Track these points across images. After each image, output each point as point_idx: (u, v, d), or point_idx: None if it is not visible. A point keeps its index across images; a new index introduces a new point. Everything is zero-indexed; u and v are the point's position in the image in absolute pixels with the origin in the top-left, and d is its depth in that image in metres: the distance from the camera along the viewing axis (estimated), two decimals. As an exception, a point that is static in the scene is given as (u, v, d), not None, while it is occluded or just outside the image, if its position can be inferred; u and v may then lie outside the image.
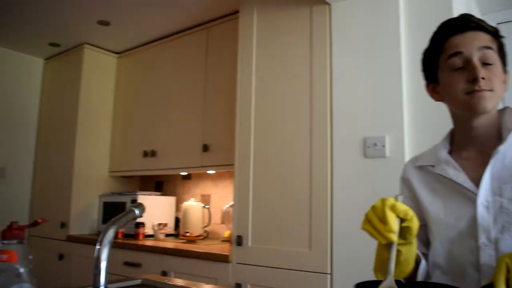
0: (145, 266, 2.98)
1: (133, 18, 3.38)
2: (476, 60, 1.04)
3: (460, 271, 1.06)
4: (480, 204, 1.04)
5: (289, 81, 2.49)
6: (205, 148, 3.19)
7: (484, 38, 1.05)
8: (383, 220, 0.90)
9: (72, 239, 3.56)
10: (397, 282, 0.94)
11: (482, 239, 1.03)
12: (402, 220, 0.92)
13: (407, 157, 2.01)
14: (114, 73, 4.09)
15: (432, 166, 1.18)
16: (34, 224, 1.41)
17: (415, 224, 0.95)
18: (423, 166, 1.21)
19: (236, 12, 2.90)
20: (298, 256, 2.29)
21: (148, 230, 3.41)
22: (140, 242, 3.15)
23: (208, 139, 3.20)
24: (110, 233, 1.07)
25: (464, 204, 1.07)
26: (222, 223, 3.36)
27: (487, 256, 1.01)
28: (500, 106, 1.13)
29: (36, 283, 0.98)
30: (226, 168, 3.06)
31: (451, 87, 1.08)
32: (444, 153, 1.16)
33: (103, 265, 1.07)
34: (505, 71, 1.10)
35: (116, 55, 4.10)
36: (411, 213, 0.93)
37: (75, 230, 3.64)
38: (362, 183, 2.13)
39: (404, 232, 0.95)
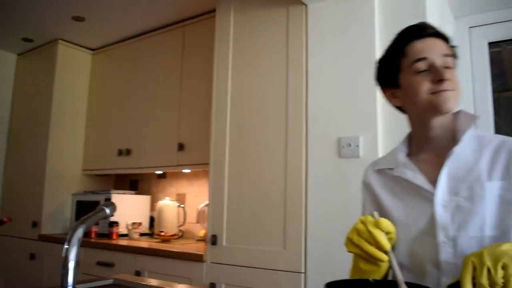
0: (119, 266, 2.94)
1: (108, 15, 3.33)
2: (440, 64, 1.10)
3: (421, 269, 1.10)
4: (438, 204, 1.08)
5: (265, 81, 2.49)
6: (181, 147, 3.17)
7: (443, 46, 1.12)
8: (373, 241, 0.94)
9: (44, 238, 3.50)
10: (365, 281, 0.96)
11: (441, 237, 1.07)
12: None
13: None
14: (89, 70, 4.03)
15: (391, 169, 1.22)
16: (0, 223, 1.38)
17: (395, 236, 1.00)
18: (383, 169, 1.25)
19: (213, 10, 2.88)
20: (272, 256, 2.29)
21: (122, 229, 3.37)
22: (113, 242, 3.11)
23: (183, 138, 3.18)
24: (79, 232, 1.05)
25: (423, 205, 1.11)
26: (197, 222, 3.35)
27: (446, 253, 1.06)
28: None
29: (2, 282, 0.96)
30: (202, 167, 3.05)
31: (416, 88, 1.12)
32: (402, 156, 1.21)
33: (71, 264, 1.05)
34: None
35: (91, 52, 4.04)
36: (392, 227, 0.98)
37: (47, 229, 3.57)
38: (336, 183, 2.14)
39: None
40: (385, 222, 0.96)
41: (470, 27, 2.44)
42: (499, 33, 2.42)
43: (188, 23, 3.34)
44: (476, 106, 2.38)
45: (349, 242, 0.98)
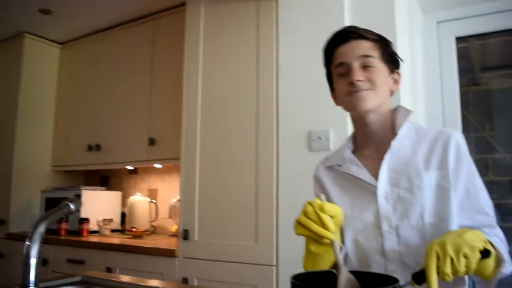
0: (89, 263, 2.90)
1: (76, 7, 3.25)
2: (356, 66, 1.16)
3: (368, 258, 1.17)
4: (380, 196, 1.16)
5: (235, 76, 2.48)
6: (152, 141, 3.13)
7: (364, 46, 1.17)
8: (319, 222, 0.97)
9: (12, 236, 3.41)
10: (329, 272, 0.98)
11: (385, 227, 1.14)
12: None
13: (350, 150, 2.05)
14: (57, 64, 3.93)
15: (339, 165, 1.28)
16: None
17: (341, 219, 1.06)
18: (332, 165, 1.32)
19: (184, 4, 2.85)
20: (244, 249, 2.29)
21: (92, 226, 3.32)
22: (84, 239, 3.07)
23: (154, 133, 3.15)
24: (41, 229, 1.03)
25: (368, 197, 1.19)
26: (170, 217, 3.32)
27: (390, 242, 1.13)
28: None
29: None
30: (173, 162, 3.03)
31: (338, 91, 1.22)
32: (348, 153, 1.27)
33: (33, 262, 1.02)
34: (393, 72, 1.24)
35: (59, 46, 3.94)
36: (338, 211, 1.02)
37: (15, 227, 3.49)
38: (307, 176, 2.13)
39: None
40: (331, 206, 1.00)
41: (438, 22, 2.47)
42: (467, 28, 2.46)
43: (159, 16, 3.30)
44: (444, 100, 2.42)
45: (297, 224, 1.01)
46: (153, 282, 1.57)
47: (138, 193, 3.48)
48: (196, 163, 2.54)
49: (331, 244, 0.98)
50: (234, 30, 2.53)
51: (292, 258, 2.12)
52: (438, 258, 0.89)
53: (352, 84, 1.15)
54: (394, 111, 1.26)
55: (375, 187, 1.16)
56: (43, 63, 3.83)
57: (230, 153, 2.43)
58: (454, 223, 1.09)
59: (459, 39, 2.51)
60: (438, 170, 1.13)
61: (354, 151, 1.28)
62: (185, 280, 2.45)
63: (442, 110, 2.42)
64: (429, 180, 1.12)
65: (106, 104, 3.51)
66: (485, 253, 0.90)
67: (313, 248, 1.04)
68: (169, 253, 2.54)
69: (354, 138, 1.32)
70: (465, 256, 0.88)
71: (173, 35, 3.14)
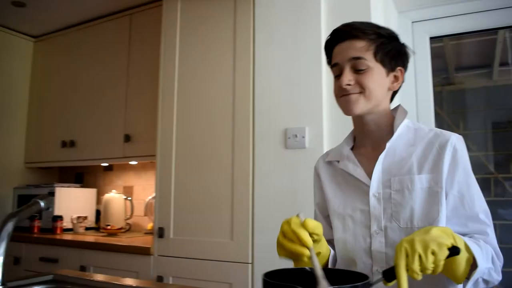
0: (63, 262, 2.86)
1: (51, 0, 3.19)
2: (346, 68, 1.14)
3: (354, 257, 1.17)
4: (372, 196, 1.16)
5: (212, 72, 2.47)
6: (127, 138, 3.10)
7: (356, 47, 1.14)
8: (296, 239, 0.97)
9: (-18, 234, 3.33)
10: (302, 269, 0.98)
11: (374, 227, 1.14)
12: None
13: (326, 148, 2.07)
14: (31, 58, 3.85)
15: (338, 161, 1.28)
16: None
17: (321, 233, 1.03)
18: (331, 161, 1.32)
19: (161, -1, 2.82)
20: (220, 247, 2.29)
21: (66, 223, 3.28)
22: (57, 237, 3.02)
23: (130, 129, 3.11)
24: (9, 227, 1.01)
25: (360, 196, 1.19)
26: (145, 215, 3.29)
27: (377, 243, 1.13)
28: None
29: None
30: (149, 159, 3.00)
31: (334, 90, 1.21)
32: (346, 150, 1.28)
33: (0, 260, 1.00)
34: (394, 69, 1.19)
35: (33, 39, 3.86)
36: (318, 227, 1.00)
37: (-14, 225, 3.41)
38: (283, 174, 2.16)
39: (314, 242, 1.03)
40: (311, 223, 0.99)
41: (413, 22, 2.49)
42: (441, 28, 2.49)
43: (135, 11, 3.26)
44: (418, 99, 2.45)
45: (278, 246, 1.02)
46: (128, 281, 1.55)
47: (113, 190, 3.44)
48: (172, 160, 2.52)
49: (310, 258, 0.97)
50: (211, 26, 2.51)
51: (268, 256, 2.11)
52: (407, 255, 0.89)
53: (341, 88, 1.14)
54: (395, 110, 1.25)
55: (368, 186, 1.17)
56: (16, 57, 3.74)
57: (206, 150, 2.42)
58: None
59: (434, 39, 2.54)
60: (431, 174, 1.11)
61: (353, 148, 1.29)
62: (160, 278, 2.43)
63: (416, 108, 2.45)
64: (420, 183, 1.11)
65: (81, 100, 3.45)
66: (453, 250, 0.89)
67: (294, 263, 1.05)
68: (144, 251, 2.52)
69: (354, 135, 1.32)
70: (433, 253, 0.87)
71: (149, 31, 3.11)
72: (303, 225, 0.98)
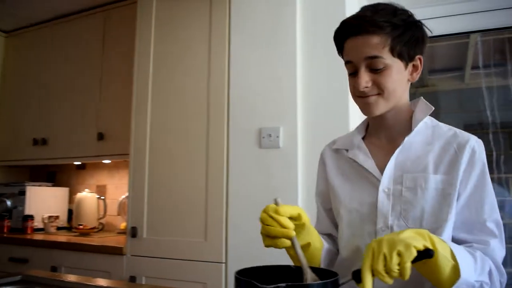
0: (33, 262, 2.80)
1: (23, -5, 3.13)
2: (362, 69, 1.05)
3: (358, 253, 1.11)
4: (381, 191, 1.09)
5: (187, 71, 2.45)
6: (101, 136, 3.05)
7: (372, 44, 1.03)
8: (277, 225, 0.94)
9: None
10: (286, 267, 0.97)
11: (380, 224, 1.08)
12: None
13: (300, 148, 2.08)
14: (2, 53, 3.76)
15: (347, 150, 1.22)
16: None
17: (304, 218, 1.01)
18: (339, 149, 1.25)
19: (136, -4, 2.79)
20: (193, 247, 2.28)
21: (37, 223, 3.22)
22: (28, 237, 2.97)
23: (103, 127, 3.07)
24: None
25: (368, 190, 1.12)
26: (119, 214, 3.26)
27: None
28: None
29: None
30: (123, 158, 2.96)
31: (349, 87, 1.12)
32: (358, 138, 1.21)
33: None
34: (413, 59, 1.10)
35: (5, 34, 3.77)
36: (295, 211, 0.98)
37: (-47, 224, 3.32)
38: (257, 173, 2.16)
39: (297, 228, 1.01)
40: (286, 207, 0.97)
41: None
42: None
43: (110, 7, 3.22)
44: (391, 100, 2.48)
45: (262, 236, 0.98)
46: (100, 281, 1.54)
47: (86, 189, 3.39)
48: (146, 159, 2.49)
49: (292, 243, 0.95)
50: (186, 24, 2.50)
51: (241, 255, 2.12)
52: (374, 255, 0.85)
53: (357, 89, 1.07)
54: (415, 103, 1.18)
55: (378, 180, 1.10)
56: (-14, 53, 3.66)
57: (180, 149, 2.40)
58: (446, 233, 1.03)
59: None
60: (446, 175, 1.06)
61: (364, 137, 1.22)
62: (132, 279, 2.41)
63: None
64: (435, 183, 1.06)
65: (54, 97, 3.39)
66: (425, 253, 0.84)
67: (291, 252, 1.01)
68: (116, 251, 2.49)
69: (367, 124, 1.25)
70: (399, 254, 0.83)
71: (124, 28, 3.07)
72: (277, 211, 0.95)
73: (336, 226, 1.25)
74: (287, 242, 0.96)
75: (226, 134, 2.27)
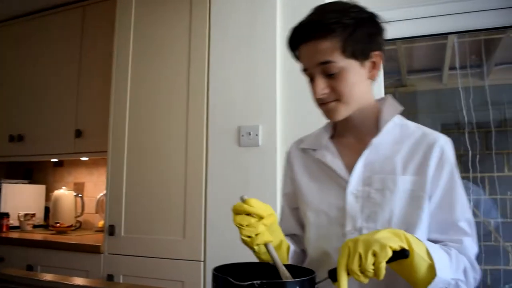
0: (9, 261, 2.76)
1: (-2, -11, 3.07)
2: (317, 75, 1.04)
3: (326, 256, 1.09)
4: (350, 193, 1.07)
5: (166, 68, 2.44)
6: (78, 133, 3.01)
7: (323, 49, 1.01)
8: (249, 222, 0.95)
9: None
10: (264, 264, 0.99)
11: (348, 227, 1.06)
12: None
13: (279, 146, 2.08)
14: (-23, 48, 3.69)
15: (314, 150, 1.19)
16: None
17: (273, 217, 0.99)
18: (306, 149, 1.22)
19: (115, -8, 2.76)
20: (172, 245, 2.27)
21: (13, 221, 3.16)
22: (3, 235, 2.92)
23: (81, 124, 3.03)
24: None
25: (336, 192, 1.10)
26: (97, 212, 3.22)
27: None
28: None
29: None
30: (101, 155, 2.92)
31: (311, 94, 1.09)
32: (325, 138, 1.18)
33: None
34: (369, 56, 1.06)
35: (-20, 28, 3.70)
36: (262, 209, 0.97)
37: None
38: (236, 172, 2.16)
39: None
40: (253, 200, 0.96)
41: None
42: (394, 31, 2.54)
43: (88, 3, 3.17)
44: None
45: (248, 240, 0.96)
46: (77, 280, 1.52)
47: (63, 187, 3.34)
48: (124, 157, 2.47)
49: (266, 248, 0.95)
50: (166, 22, 2.48)
51: (220, 254, 2.12)
52: (349, 255, 0.85)
53: (316, 97, 1.06)
54: (382, 102, 1.16)
55: (346, 182, 1.08)
56: (-39, 47, 3.58)
57: (159, 147, 2.39)
58: (420, 234, 1.02)
59: (387, 41, 2.60)
60: (415, 176, 1.05)
61: (332, 137, 1.19)
62: (110, 277, 2.39)
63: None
64: (403, 184, 1.04)
65: (31, 92, 3.33)
66: (400, 253, 0.85)
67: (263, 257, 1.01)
68: (94, 249, 2.46)
69: (335, 123, 1.21)
70: (374, 254, 0.83)
71: (103, 24, 3.03)
72: (247, 203, 0.96)
73: (301, 225, 1.23)
74: (262, 248, 0.97)
75: (205, 132, 2.26)
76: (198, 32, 2.37)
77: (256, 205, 0.96)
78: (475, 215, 2.57)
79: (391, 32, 2.56)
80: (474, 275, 1.01)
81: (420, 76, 3.14)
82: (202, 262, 2.18)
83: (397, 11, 2.49)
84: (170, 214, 2.30)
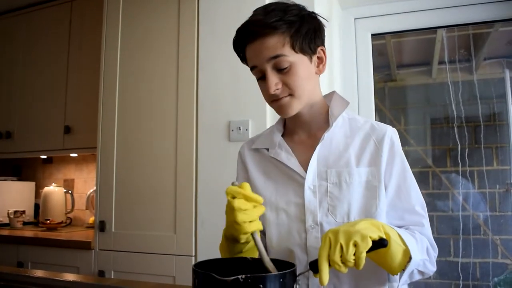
0: (-2, 258, 2.74)
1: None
2: (269, 71, 1.05)
3: (289, 253, 1.11)
4: (307, 188, 1.09)
5: (155, 64, 2.42)
6: (67, 129, 3.00)
7: (271, 45, 1.03)
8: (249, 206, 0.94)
9: None
10: (244, 259, 0.98)
11: (309, 222, 1.08)
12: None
13: (269, 141, 2.08)
14: (-36, 43, 3.65)
15: (267, 149, 1.21)
16: None
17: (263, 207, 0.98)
18: (259, 148, 1.24)
19: (103, -14, 2.73)
20: (163, 240, 2.26)
21: (3, 218, 3.15)
22: (-8, 232, 2.89)
23: (70, 120, 3.01)
24: None
25: (294, 188, 1.12)
26: (87, 209, 3.21)
27: (313, 238, 1.07)
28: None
29: None
30: (90, 151, 2.92)
31: (262, 93, 1.12)
32: (278, 137, 1.20)
33: None
34: (316, 51, 1.10)
35: (-34, 25, 3.66)
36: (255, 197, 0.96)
37: None
38: (226, 167, 2.15)
39: None
40: (248, 187, 0.96)
41: (355, 19, 2.54)
42: (383, 26, 2.55)
43: (77, -3, 3.15)
44: (359, 94, 2.51)
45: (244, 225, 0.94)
46: (68, 276, 1.51)
47: (53, 183, 3.32)
48: (114, 153, 2.46)
49: (252, 238, 0.95)
50: (154, 16, 2.46)
51: (211, 249, 2.12)
52: (330, 246, 0.87)
53: (269, 95, 1.06)
54: (329, 97, 1.19)
55: (303, 178, 1.10)
56: None
57: (149, 142, 2.38)
58: None
59: (376, 36, 2.60)
60: (369, 167, 1.09)
61: (283, 135, 1.21)
62: (101, 273, 2.38)
63: (357, 104, 2.50)
64: (359, 176, 1.08)
65: (19, 89, 3.30)
66: (379, 243, 0.88)
67: (232, 247, 1.02)
68: (84, 246, 2.46)
69: (284, 121, 1.24)
70: (356, 245, 0.85)
71: (91, 19, 3.01)
72: (243, 188, 0.95)
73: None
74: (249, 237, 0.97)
75: (195, 127, 2.25)
76: (187, 27, 2.35)
77: (251, 191, 0.96)
78: (464, 208, 2.59)
79: (379, 26, 2.59)
80: (434, 254, 1.07)
81: (410, 70, 3.15)
82: (193, 257, 2.18)
83: (386, 5, 2.50)
84: (160, 209, 2.29)
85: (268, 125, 2.10)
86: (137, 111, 2.44)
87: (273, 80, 1.04)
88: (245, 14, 2.24)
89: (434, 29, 2.62)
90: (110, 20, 2.59)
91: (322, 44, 1.12)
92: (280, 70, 1.04)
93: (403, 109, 3.01)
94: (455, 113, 2.67)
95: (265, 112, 2.10)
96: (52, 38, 3.20)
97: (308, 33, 1.06)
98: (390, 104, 3.01)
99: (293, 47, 1.04)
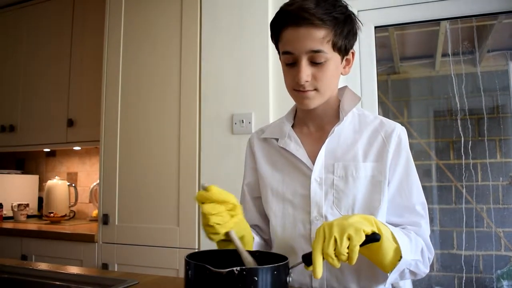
0: (3, 251, 2.76)
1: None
2: (304, 62, 1.04)
3: (293, 244, 1.12)
4: (314, 180, 1.11)
5: (158, 57, 2.43)
6: (71, 123, 3.00)
7: (316, 38, 1.02)
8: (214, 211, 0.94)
9: None
10: (225, 250, 0.99)
11: (314, 213, 1.10)
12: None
13: (272, 134, 2.08)
14: (-34, 38, 3.64)
15: (276, 139, 1.21)
16: None
17: (236, 204, 0.99)
18: (268, 138, 1.25)
19: (105, -20, 2.72)
20: (166, 233, 2.27)
21: (7, 211, 3.16)
22: (-3, 225, 2.90)
23: (73, 113, 3.01)
24: None
25: (300, 179, 1.13)
26: (90, 202, 3.22)
27: None
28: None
29: None
30: (93, 145, 2.92)
31: (285, 78, 1.12)
32: (288, 127, 1.21)
33: None
34: (348, 53, 1.11)
35: (-31, 18, 3.65)
36: (224, 195, 0.96)
37: None
38: (229, 159, 2.16)
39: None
40: (215, 189, 0.95)
41: (358, 11, 2.53)
42: (386, 18, 2.53)
43: (79, -9, 3.14)
44: (362, 87, 2.50)
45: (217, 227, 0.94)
46: (72, 269, 1.51)
47: (56, 176, 3.33)
48: (117, 145, 2.47)
49: (231, 238, 0.95)
50: (157, 9, 2.46)
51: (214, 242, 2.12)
52: (324, 239, 0.87)
53: (297, 83, 1.06)
54: (341, 92, 1.20)
55: (310, 170, 1.12)
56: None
57: (152, 135, 2.38)
58: (380, 217, 1.07)
59: (379, 28, 2.59)
60: (375, 162, 1.10)
61: (293, 126, 1.22)
62: (105, 266, 2.39)
63: (360, 97, 2.48)
64: (365, 171, 1.09)
65: (22, 82, 3.30)
66: (372, 237, 0.88)
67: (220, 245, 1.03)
68: (88, 239, 2.47)
69: (295, 112, 1.25)
70: (349, 238, 0.85)
71: (93, 12, 2.99)
72: (208, 190, 0.94)
73: (263, 216, 1.25)
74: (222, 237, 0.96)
75: (198, 120, 2.26)
76: (190, 20, 2.35)
77: (220, 192, 0.95)
78: (468, 201, 2.59)
79: (383, 18, 2.57)
80: (429, 255, 1.07)
81: (413, 63, 3.13)
82: (196, 250, 2.18)
83: (389, -2, 2.49)
84: (163, 202, 2.30)
85: (271, 118, 2.10)
86: (140, 104, 2.44)
87: (306, 71, 1.04)
88: (248, 7, 2.25)
89: (437, 21, 2.60)
90: (112, 14, 2.59)
91: (353, 47, 1.13)
92: (314, 64, 1.05)
93: (406, 101, 3.00)
94: (458, 105, 2.66)
95: (268, 105, 2.10)
96: (55, 32, 3.20)
97: (348, 34, 1.07)
98: (393, 96, 3.00)
99: (333, 45, 1.04)
